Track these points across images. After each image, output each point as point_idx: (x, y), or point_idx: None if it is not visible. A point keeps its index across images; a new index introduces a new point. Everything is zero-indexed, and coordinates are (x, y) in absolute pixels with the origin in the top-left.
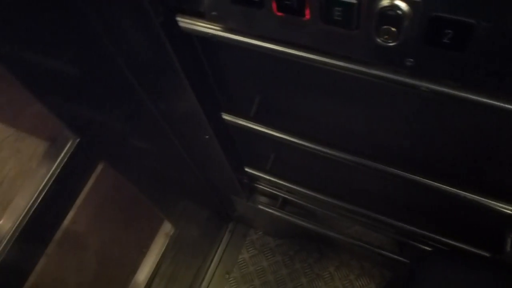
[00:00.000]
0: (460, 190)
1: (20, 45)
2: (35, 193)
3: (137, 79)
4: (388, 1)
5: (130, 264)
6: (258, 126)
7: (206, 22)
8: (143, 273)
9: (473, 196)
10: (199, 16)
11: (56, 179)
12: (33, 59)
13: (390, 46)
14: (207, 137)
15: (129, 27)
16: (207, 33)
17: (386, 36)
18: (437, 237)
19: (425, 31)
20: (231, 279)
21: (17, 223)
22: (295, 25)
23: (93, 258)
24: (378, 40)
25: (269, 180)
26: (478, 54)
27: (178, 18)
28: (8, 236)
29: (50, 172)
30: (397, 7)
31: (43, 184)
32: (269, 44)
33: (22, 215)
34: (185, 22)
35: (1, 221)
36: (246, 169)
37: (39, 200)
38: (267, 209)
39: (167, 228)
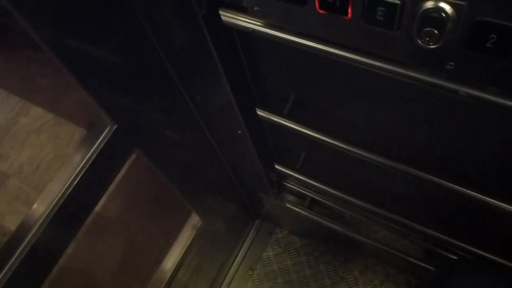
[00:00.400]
0: (492, 198)
1: (66, 32)
2: (69, 178)
3: (175, 71)
4: (432, 3)
5: (156, 253)
6: (291, 123)
7: (247, 17)
8: (169, 263)
9: (504, 205)
10: (241, 10)
11: (91, 165)
12: (78, 46)
13: (431, 48)
14: (239, 132)
15: (172, 19)
16: (248, 28)
17: (427, 38)
18: (464, 245)
19: (468, 35)
20: (254, 275)
21: (51, 207)
22: (336, 23)
23: (121, 245)
24: (419, 42)
25: (298, 179)
26: None
27: (221, 12)
28: (41, 220)
29: (86, 158)
30: (441, 10)
31: (78, 169)
32: (309, 42)
33: (56, 200)
34: (227, 16)
35: (35, 205)
36: (276, 167)
37: (73, 186)
38: (294, 208)
39: (194, 220)
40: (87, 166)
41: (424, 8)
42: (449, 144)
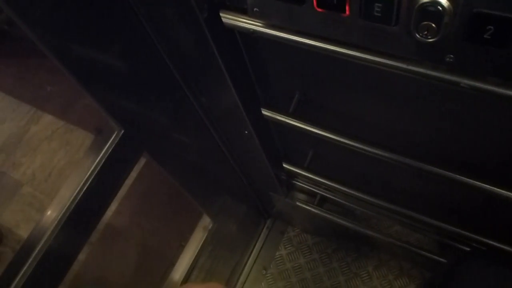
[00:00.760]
0: (500, 188)
1: (71, 40)
2: (79, 184)
3: (180, 74)
4: None
5: (169, 256)
6: (296, 122)
7: (248, 18)
8: (182, 266)
9: None
10: (242, 12)
11: (100, 170)
12: (83, 52)
13: (430, 42)
14: (246, 132)
15: (175, 23)
16: (249, 29)
17: (425, 32)
18: (477, 237)
19: (465, 27)
20: (268, 275)
21: (62, 212)
22: (335, 21)
23: (134, 249)
24: (418, 36)
25: (307, 177)
26: None
27: (222, 14)
28: (53, 226)
29: (95, 164)
30: (438, 3)
31: (87, 175)
32: (309, 40)
33: (67, 206)
34: (228, 18)
35: (47, 212)
36: (284, 165)
37: (83, 191)
38: (305, 206)
39: (205, 221)
40: (96, 172)
41: (420, 2)
42: (457, 136)
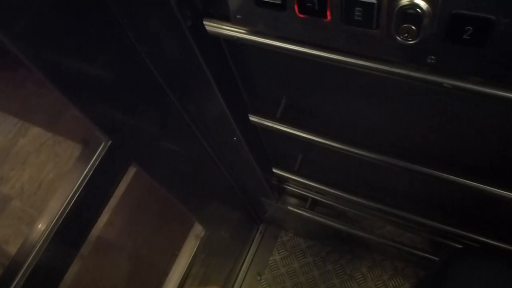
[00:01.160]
0: (489, 186)
1: (55, 51)
2: (68, 196)
3: (166, 82)
4: None
5: (162, 265)
6: (284, 127)
7: (231, 25)
8: (175, 275)
9: (502, 192)
10: (225, 19)
11: (88, 182)
12: (67, 63)
13: (411, 44)
14: (235, 139)
15: (159, 32)
16: (233, 36)
17: (406, 35)
18: (469, 234)
19: (445, 28)
20: (262, 280)
21: (51, 226)
22: (317, 26)
23: (128, 259)
24: (399, 38)
25: (298, 181)
26: (499, 50)
27: (205, 22)
28: (42, 239)
29: (83, 175)
30: (417, 6)
31: (76, 186)
32: (293, 46)
33: (56, 217)
34: (212, 26)
35: (35, 226)
36: (274, 170)
37: (72, 202)
38: (296, 210)
39: (197, 230)
40: (84, 184)
41: (400, 5)
42: (443, 135)
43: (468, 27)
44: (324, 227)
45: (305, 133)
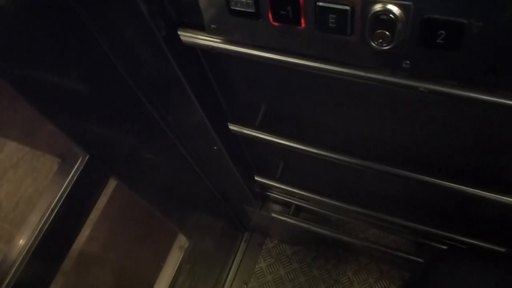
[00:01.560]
0: (470, 187)
1: (27, 65)
2: (47, 210)
3: (144, 93)
4: (381, 5)
5: (147, 278)
6: (264, 135)
7: (206, 35)
8: (161, 286)
9: (483, 192)
10: (200, 29)
11: (67, 196)
12: (40, 78)
13: (385, 49)
14: (215, 148)
15: (134, 43)
16: (208, 46)
17: (380, 40)
18: (452, 235)
19: (418, 33)
20: None
21: (31, 241)
22: (292, 34)
23: (111, 274)
24: (373, 44)
25: (280, 188)
26: (472, 52)
27: (180, 32)
28: (23, 254)
29: (61, 190)
30: (390, 11)
31: (54, 201)
32: (269, 54)
33: (36, 233)
34: (186, 36)
35: (17, 237)
36: (256, 178)
37: (51, 218)
38: (280, 217)
39: (181, 241)
40: (63, 198)
41: (373, 11)
42: (422, 138)
43: (441, 31)
44: (308, 232)
45: (284, 140)
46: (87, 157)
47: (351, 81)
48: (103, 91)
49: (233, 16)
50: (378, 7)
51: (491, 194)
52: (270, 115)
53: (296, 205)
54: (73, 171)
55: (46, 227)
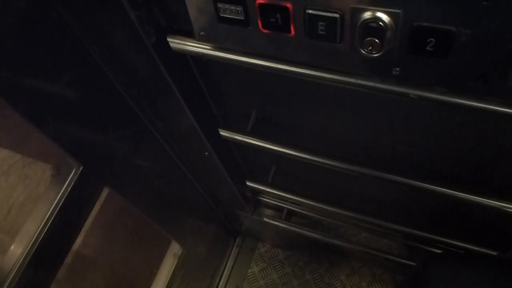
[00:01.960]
0: (461, 192)
1: (14, 72)
2: (41, 223)
3: (134, 100)
4: (370, 13)
5: (141, 285)
6: (254, 140)
7: (196, 41)
8: None
9: (475, 197)
10: (190, 35)
11: (62, 206)
12: (29, 86)
13: (375, 56)
14: (206, 154)
15: (123, 50)
16: (198, 53)
17: (370, 48)
18: (444, 239)
19: (408, 41)
20: None
21: (26, 250)
22: (281, 41)
23: (104, 280)
24: (363, 51)
25: (272, 192)
26: (462, 60)
27: (169, 39)
28: (19, 264)
29: (56, 200)
30: (379, 19)
31: (49, 211)
32: (259, 61)
33: (31, 243)
34: (176, 42)
35: (12, 247)
36: (248, 183)
37: (46, 228)
38: (272, 222)
39: (175, 248)
40: (58, 208)
41: (362, 19)
42: (412, 144)
43: (431, 39)
44: (300, 237)
45: (275, 146)
46: (81, 168)
47: (341, 87)
48: (92, 98)
49: (222, 23)
50: (367, 15)
51: (482, 199)
52: (261, 121)
53: (288, 209)
54: (66, 182)
55: (41, 237)
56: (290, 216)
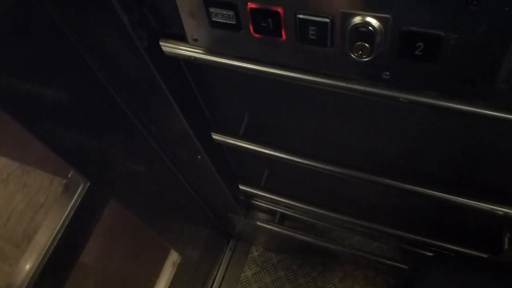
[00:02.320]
0: (452, 195)
1: (6, 77)
2: (50, 236)
3: (126, 104)
4: (360, 18)
5: None
6: (247, 144)
7: (188, 45)
8: None
9: (464, 200)
10: (182, 39)
11: (70, 221)
12: (20, 89)
13: (365, 61)
14: (199, 157)
15: (116, 53)
16: (190, 57)
17: (360, 52)
18: (436, 242)
19: (397, 45)
20: None
21: (37, 265)
22: (272, 45)
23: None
24: (353, 56)
25: (264, 196)
26: (450, 64)
27: (161, 43)
28: (29, 278)
29: (64, 216)
30: (369, 24)
31: (58, 226)
32: (250, 65)
33: (41, 257)
34: (168, 46)
35: (27, 265)
36: (240, 187)
37: (56, 242)
38: (265, 225)
39: (174, 256)
40: (66, 224)
41: (352, 23)
42: (404, 147)
43: (419, 43)
44: (293, 240)
45: (268, 150)
46: (88, 184)
47: (332, 91)
48: (84, 102)
49: (214, 27)
50: (357, 19)
51: (473, 202)
52: (254, 124)
53: (281, 213)
54: (74, 197)
55: (51, 250)
56: (283, 219)
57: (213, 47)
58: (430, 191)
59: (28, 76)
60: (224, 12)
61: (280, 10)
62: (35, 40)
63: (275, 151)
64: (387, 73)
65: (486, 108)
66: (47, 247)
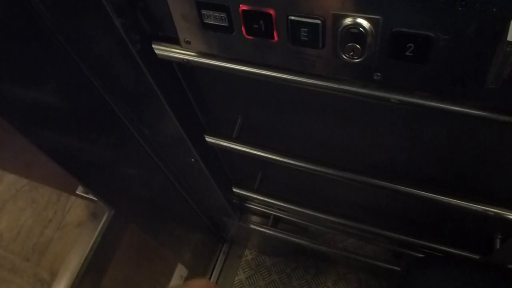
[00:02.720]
0: (443, 196)
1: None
2: (80, 262)
3: (119, 107)
4: (351, 19)
5: None
6: (240, 146)
7: (181, 48)
8: None
9: (456, 201)
10: (175, 42)
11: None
12: (13, 95)
13: (357, 62)
14: (192, 160)
15: (108, 57)
16: (183, 59)
17: (351, 53)
18: (428, 243)
19: (388, 46)
20: None
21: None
22: (265, 47)
23: None
24: (345, 57)
25: (258, 199)
26: (440, 64)
27: (154, 46)
28: None
29: (92, 241)
30: (359, 25)
31: (87, 251)
32: (243, 67)
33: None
34: (161, 49)
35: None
36: (234, 190)
37: (84, 268)
38: (259, 228)
39: (181, 270)
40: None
41: (343, 25)
42: (397, 149)
43: (410, 44)
44: (287, 243)
45: (261, 152)
46: (112, 212)
47: (324, 92)
48: (77, 106)
49: (206, 30)
50: (348, 21)
51: (464, 202)
52: (247, 126)
53: (275, 216)
54: (100, 226)
55: (80, 275)
56: (276, 222)
57: (205, 49)
58: (421, 192)
59: (18, 80)
60: (217, 14)
61: (272, 11)
62: (26, 44)
63: (268, 153)
64: (378, 74)
65: (476, 109)
66: (76, 274)
